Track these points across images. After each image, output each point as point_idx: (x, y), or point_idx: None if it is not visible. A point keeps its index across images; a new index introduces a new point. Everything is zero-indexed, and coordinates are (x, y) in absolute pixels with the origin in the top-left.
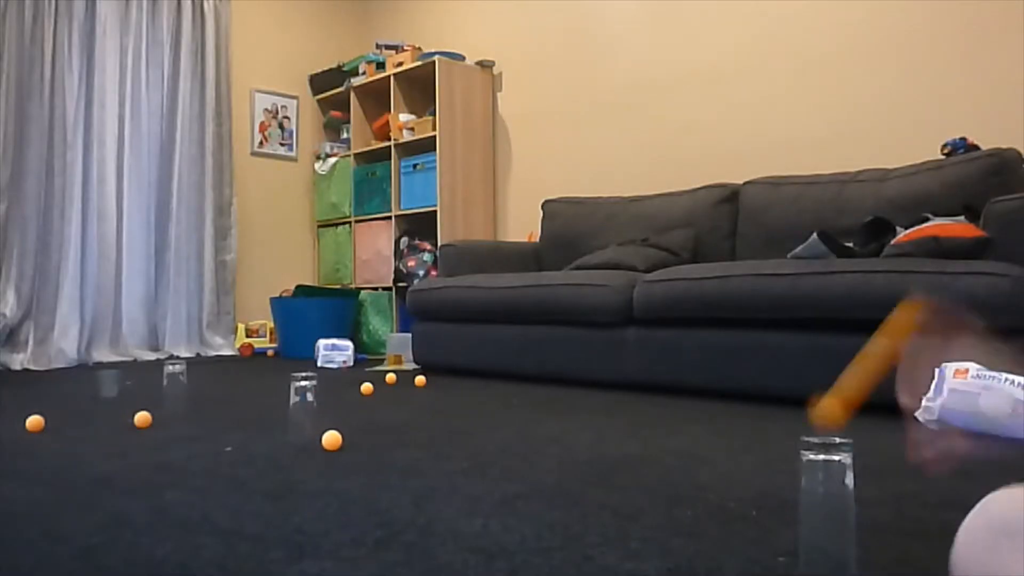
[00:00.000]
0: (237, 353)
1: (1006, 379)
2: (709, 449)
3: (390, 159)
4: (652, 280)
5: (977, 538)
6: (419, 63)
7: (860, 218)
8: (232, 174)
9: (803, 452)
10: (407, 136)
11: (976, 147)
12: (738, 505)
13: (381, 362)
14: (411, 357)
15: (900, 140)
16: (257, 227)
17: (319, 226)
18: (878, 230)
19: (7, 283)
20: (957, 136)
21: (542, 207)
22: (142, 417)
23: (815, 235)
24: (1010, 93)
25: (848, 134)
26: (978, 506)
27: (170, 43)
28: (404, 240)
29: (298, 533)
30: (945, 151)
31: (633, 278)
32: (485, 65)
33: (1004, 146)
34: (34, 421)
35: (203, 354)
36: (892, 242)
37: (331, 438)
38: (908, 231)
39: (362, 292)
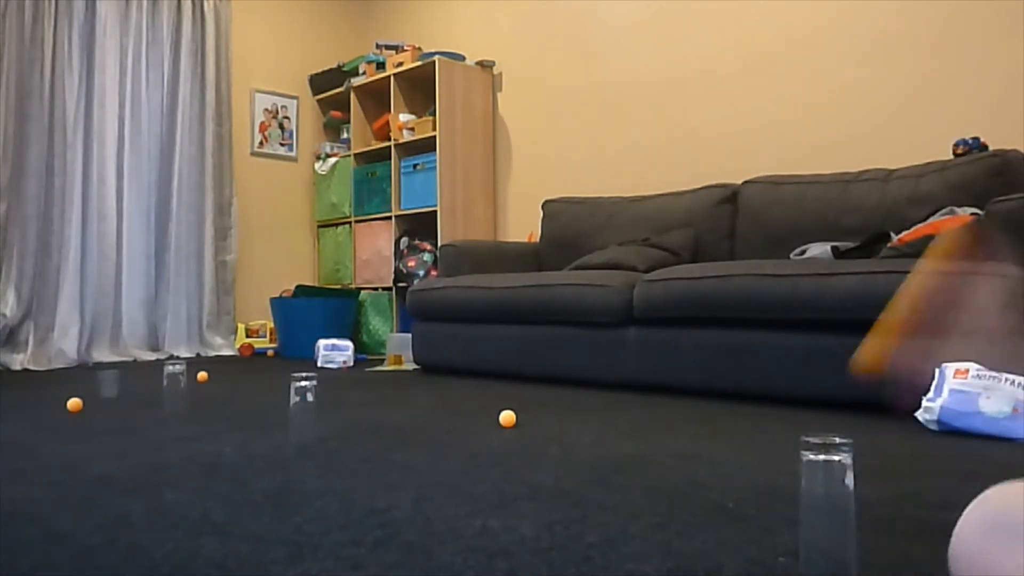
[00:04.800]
0: (237, 353)
1: (1006, 379)
2: (709, 449)
3: (390, 159)
4: (652, 280)
5: (973, 533)
6: (419, 63)
7: (861, 218)
8: (232, 174)
9: (803, 452)
10: (407, 136)
11: (988, 148)
12: (738, 505)
13: (381, 362)
14: (411, 357)
15: (902, 140)
16: (257, 227)
17: (319, 226)
18: (876, 242)
19: (7, 283)
20: (970, 136)
21: (542, 207)
22: (74, 403)
23: (828, 248)
24: (1014, 93)
25: (849, 134)
26: (975, 501)
27: (170, 43)
28: (404, 240)
29: (298, 533)
30: (959, 151)
31: (633, 278)
32: (485, 65)
33: (1010, 147)
34: (74, 403)
35: (203, 354)
36: (891, 243)
37: (507, 417)
38: (908, 231)
39: (362, 292)
